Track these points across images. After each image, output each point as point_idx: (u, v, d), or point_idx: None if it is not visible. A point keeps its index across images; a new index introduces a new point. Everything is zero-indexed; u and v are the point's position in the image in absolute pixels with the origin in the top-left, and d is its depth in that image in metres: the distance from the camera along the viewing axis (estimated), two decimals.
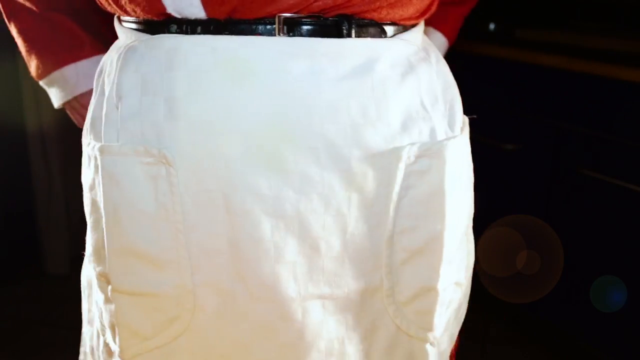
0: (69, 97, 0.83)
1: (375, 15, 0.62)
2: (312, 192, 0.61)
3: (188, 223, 0.62)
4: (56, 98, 0.85)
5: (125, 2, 0.62)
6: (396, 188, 0.63)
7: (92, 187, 0.67)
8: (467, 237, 0.74)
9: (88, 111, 0.68)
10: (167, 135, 0.60)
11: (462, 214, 0.70)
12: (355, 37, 0.62)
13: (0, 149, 1.91)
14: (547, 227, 1.52)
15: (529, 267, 1.57)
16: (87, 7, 0.77)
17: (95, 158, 0.64)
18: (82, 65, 0.81)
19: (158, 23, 0.62)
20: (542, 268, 1.55)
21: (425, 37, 0.72)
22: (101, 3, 0.66)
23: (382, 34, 0.64)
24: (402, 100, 0.63)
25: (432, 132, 0.65)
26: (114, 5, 0.64)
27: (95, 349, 0.75)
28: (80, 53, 0.81)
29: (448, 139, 0.65)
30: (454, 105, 0.69)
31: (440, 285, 0.67)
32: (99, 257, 0.67)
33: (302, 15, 0.60)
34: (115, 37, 0.70)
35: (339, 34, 0.61)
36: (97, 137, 0.65)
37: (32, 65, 0.83)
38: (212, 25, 0.60)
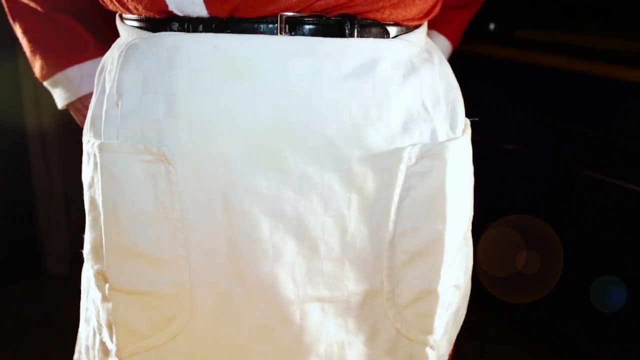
0: (73, 99, 0.83)
1: (378, 16, 0.62)
2: (312, 192, 0.61)
3: (187, 222, 0.61)
4: (60, 99, 0.85)
5: (127, 0, 0.62)
6: (397, 189, 0.63)
7: (90, 185, 0.67)
8: (466, 240, 0.74)
9: (89, 109, 0.68)
10: (167, 134, 0.60)
11: (462, 216, 0.70)
12: (358, 37, 0.62)
13: (0, 149, 1.91)
14: (547, 227, 1.52)
15: (529, 267, 1.57)
16: (91, 7, 0.77)
17: (95, 155, 0.63)
18: (86, 66, 0.81)
19: (160, 21, 0.62)
20: (542, 268, 1.55)
21: (429, 39, 0.72)
22: (104, 1, 0.66)
23: (385, 34, 0.64)
24: (404, 101, 0.62)
25: (434, 133, 0.64)
26: (116, 3, 0.64)
27: (90, 348, 0.75)
28: (84, 54, 0.81)
29: (449, 140, 0.65)
30: (456, 106, 0.69)
31: (440, 288, 0.67)
32: (97, 256, 0.67)
33: (305, 14, 0.60)
34: (118, 37, 0.70)
35: (341, 34, 0.61)
36: (96, 135, 0.65)
37: (37, 65, 0.83)
38: (214, 24, 0.60)
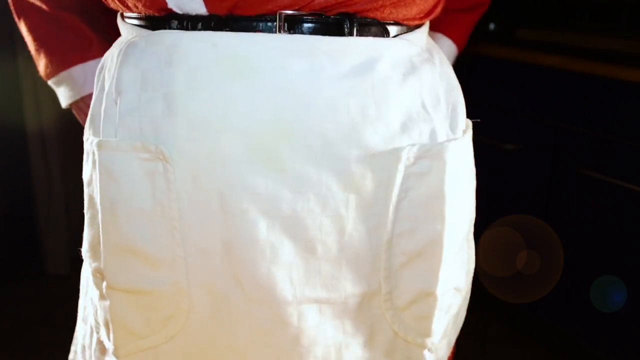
0: (76, 98, 0.83)
1: (378, 15, 0.62)
2: (309, 192, 0.60)
3: (184, 221, 0.61)
4: (64, 98, 0.85)
5: None
6: (395, 190, 0.62)
7: (89, 183, 0.67)
8: (468, 242, 0.73)
9: (90, 107, 0.68)
10: (165, 132, 0.60)
11: (462, 217, 0.69)
12: (357, 36, 0.61)
13: (0, 149, 1.91)
14: (547, 227, 1.52)
15: (529, 267, 1.57)
16: (96, 6, 0.77)
17: (93, 153, 0.63)
18: (90, 65, 0.81)
19: (159, 19, 0.62)
20: (542, 268, 1.55)
21: (430, 39, 0.72)
22: (106, 0, 0.66)
23: (385, 33, 0.64)
24: (403, 101, 0.62)
25: (433, 133, 0.64)
26: (117, 2, 0.64)
27: (87, 348, 0.75)
28: (88, 53, 0.81)
29: (449, 141, 0.65)
30: (457, 107, 0.68)
31: (439, 290, 0.66)
32: (95, 253, 0.67)
33: (304, 13, 0.60)
34: (120, 36, 0.70)
35: (340, 33, 0.61)
36: (95, 133, 0.65)
37: (41, 64, 0.82)
38: (213, 22, 0.60)
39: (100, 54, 0.80)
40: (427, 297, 0.66)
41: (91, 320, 0.72)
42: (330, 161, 0.60)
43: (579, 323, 1.51)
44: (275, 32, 0.60)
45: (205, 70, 0.59)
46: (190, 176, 0.60)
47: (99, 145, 0.62)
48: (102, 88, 0.65)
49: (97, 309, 0.69)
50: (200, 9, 0.59)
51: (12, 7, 0.81)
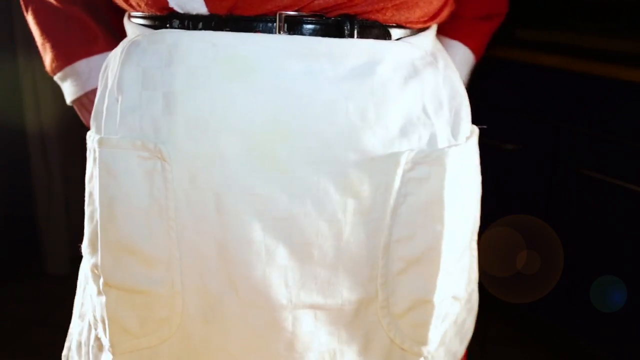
0: (80, 93, 0.82)
1: (379, 17, 0.61)
2: (306, 194, 0.60)
3: (180, 220, 0.61)
4: (68, 93, 0.84)
5: None
6: (393, 194, 0.62)
7: (90, 179, 0.67)
8: (471, 251, 0.73)
9: (94, 104, 0.68)
10: (164, 130, 0.60)
11: (464, 225, 0.68)
12: (358, 37, 0.61)
13: (0, 149, 1.91)
14: (547, 227, 1.52)
15: (529, 267, 1.57)
16: (104, 3, 0.77)
17: (94, 150, 0.64)
18: (95, 60, 0.80)
19: (161, 18, 0.63)
20: (542, 268, 1.55)
21: (438, 44, 0.71)
22: None
23: (387, 36, 0.63)
24: (403, 105, 0.62)
25: (433, 138, 0.63)
26: (121, 0, 0.64)
27: (83, 344, 0.75)
28: (93, 48, 0.80)
29: (450, 146, 0.64)
30: (460, 112, 0.67)
31: (436, 298, 0.65)
32: (94, 249, 0.67)
33: (304, 14, 0.60)
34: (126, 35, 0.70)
35: (340, 34, 0.61)
36: (98, 130, 0.65)
37: (47, 59, 0.82)
38: (213, 21, 0.60)
39: (106, 48, 0.80)
40: (424, 304, 0.65)
41: (89, 317, 0.72)
42: (328, 164, 0.60)
43: (579, 323, 1.51)
44: (275, 33, 0.60)
45: (205, 70, 0.59)
46: (187, 175, 0.60)
47: (100, 143, 0.62)
48: (106, 86, 0.66)
49: (95, 306, 0.69)
50: (201, 8, 0.60)
51: (21, 1, 0.81)
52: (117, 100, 0.62)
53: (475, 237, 0.74)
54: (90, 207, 0.67)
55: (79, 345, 0.76)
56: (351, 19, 0.61)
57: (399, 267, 0.64)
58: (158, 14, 0.63)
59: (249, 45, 0.59)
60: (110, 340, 0.66)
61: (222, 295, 0.63)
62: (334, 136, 0.59)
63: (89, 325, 0.73)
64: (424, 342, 0.67)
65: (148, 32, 0.63)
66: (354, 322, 0.65)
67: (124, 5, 0.65)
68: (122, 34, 0.71)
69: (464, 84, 0.87)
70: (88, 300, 0.73)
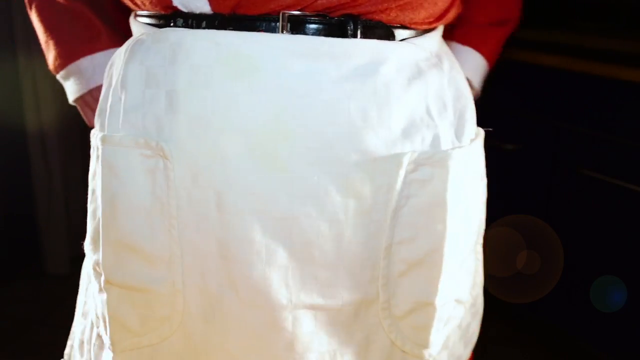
0: (84, 91, 0.81)
1: (383, 17, 0.61)
2: (307, 195, 0.60)
3: (181, 219, 0.61)
4: (71, 91, 0.83)
5: None
6: (395, 196, 0.61)
7: (93, 177, 0.68)
8: (476, 254, 0.72)
9: (99, 102, 0.68)
10: (167, 129, 0.60)
11: (468, 228, 0.68)
12: (361, 38, 0.61)
13: (0, 149, 1.91)
14: (547, 227, 1.52)
15: (529, 267, 1.57)
16: (109, 1, 0.78)
17: (97, 148, 0.64)
18: (98, 57, 0.80)
19: (166, 17, 0.63)
20: (542, 268, 1.55)
21: (444, 46, 0.70)
22: None
23: (391, 37, 0.63)
24: (407, 106, 0.61)
25: (436, 140, 0.63)
26: None
27: (85, 342, 0.75)
28: (97, 45, 0.80)
29: (454, 148, 0.63)
30: (465, 114, 0.67)
31: (438, 301, 0.65)
32: (95, 246, 0.67)
33: (307, 13, 0.59)
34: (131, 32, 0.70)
35: (343, 34, 0.60)
36: (101, 128, 0.66)
37: (50, 56, 0.81)
38: (216, 20, 0.60)
39: (109, 45, 0.80)
40: (425, 307, 0.65)
41: (92, 315, 0.72)
42: (330, 164, 0.59)
43: (579, 323, 1.51)
44: (278, 32, 0.60)
45: (208, 69, 0.59)
46: (189, 174, 0.60)
47: (103, 140, 0.62)
48: (110, 84, 0.66)
49: (96, 303, 0.69)
50: (204, 7, 0.60)
51: None
52: (121, 99, 0.63)
53: (481, 241, 0.73)
54: (93, 205, 0.68)
55: (81, 343, 0.76)
56: (354, 19, 0.60)
57: (401, 269, 0.64)
58: (162, 12, 0.63)
59: (252, 44, 0.59)
60: (111, 338, 0.66)
61: (222, 294, 0.62)
62: (336, 136, 0.59)
63: (92, 323, 0.73)
64: (425, 345, 0.66)
65: (152, 30, 0.64)
66: (355, 323, 0.65)
67: (130, 5, 0.66)
68: (128, 34, 0.71)
69: (478, 91, 0.87)
70: (91, 299, 0.73)
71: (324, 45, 0.59)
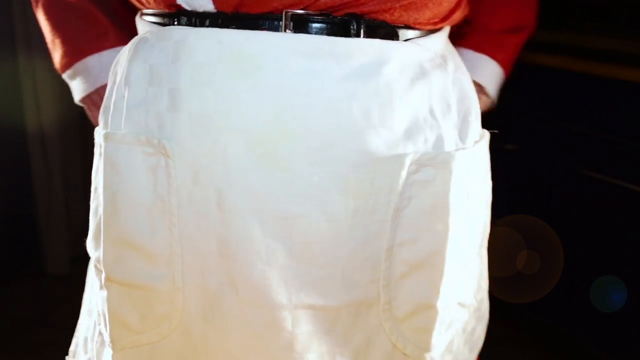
0: (91, 89, 0.80)
1: (387, 17, 0.61)
2: (307, 194, 0.59)
3: (182, 217, 0.61)
4: (78, 90, 0.81)
5: None
6: (397, 197, 0.61)
7: (96, 174, 0.68)
8: (481, 258, 0.72)
9: (103, 100, 0.68)
10: (169, 127, 0.60)
11: (471, 230, 0.67)
12: (364, 37, 0.60)
13: (0, 149, 1.91)
14: (547, 227, 1.52)
15: (529, 267, 1.57)
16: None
17: (100, 145, 0.65)
18: (105, 55, 0.79)
19: (170, 15, 0.63)
20: (542, 268, 1.55)
21: (450, 47, 0.70)
22: None
23: (395, 36, 0.62)
24: (409, 106, 0.61)
25: (439, 141, 0.62)
26: None
27: (89, 340, 0.75)
28: (104, 43, 0.79)
29: (457, 150, 0.63)
30: (469, 116, 0.66)
31: (440, 304, 0.64)
32: (97, 243, 0.67)
33: (310, 12, 0.59)
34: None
35: (346, 34, 0.60)
36: (105, 125, 0.66)
37: (56, 55, 0.80)
38: (220, 19, 0.60)
39: (116, 43, 0.79)
40: (427, 309, 0.64)
41: (95, 313, 0.72)
42: (331, 164, 0.59)
43: (579, 323, 1.51)
44: (281, 31, 0.59)
45: (210, 67, 0.59)
46: (190, 172, 0.60)
47: (105, 137, 0.63)
48: (114, 81, 0.66)
49: (98, 301, 0.69)
50: (207, 5, 0.60)
51: None
52: (124, 96, 0.63)
53: (485, 244, 0.72)
54: (95, 202, 0.68)
55: (86, 340, 0.76)
56: (358, 18, 0.60)
57: (402, 271, 0.63)
58: (167, 11, 0.63)
59: (254, 43, 0.59)
60: (111, 336, 0.66)
61: (222, 293, 0.62)
62: (337, 136, 0.59)
63: (95, 321, 0.73)
64: (427, 348, 0.66)
65: (157, 29, 0.64)
66: (355, 324, 0.64)
67: (135, 3, 0.66)
68: (134, 33, 0.71)
69: (494, 100, 0.86)
70: (94, 297, 0.73)
71: (327, 44, 0.59)
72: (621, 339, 1.41)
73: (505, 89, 1.67)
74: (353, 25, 0.60)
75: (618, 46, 1.48)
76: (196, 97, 0.59)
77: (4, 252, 1.97)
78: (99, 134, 0.66)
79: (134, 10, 0.71)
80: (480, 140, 0.68)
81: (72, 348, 0.80)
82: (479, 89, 0.82)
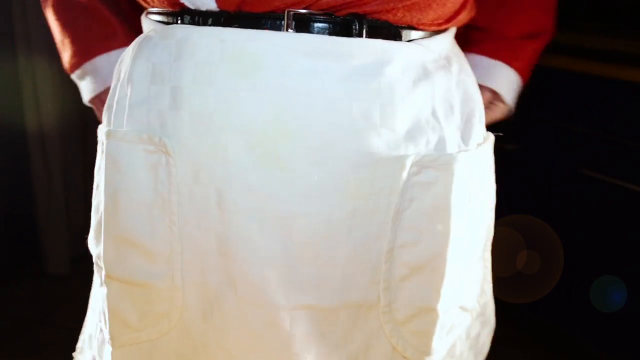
0: (101, 89, 0.80)
1: (390, 17, 0.60)
2: (307, 194, 0.59)
3: (182, 215, 0.61)
4: (87, 91, 0.81)
5: None
6: (398, 198, 0.60)
7: (98, 171, 0.68)
8: (484, 261, 0.71)
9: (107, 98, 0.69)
10: (170, 125, 0.60)
11: (474, 233, 0.67)
12: (366, 37, 0.60)
13: (0, 148, 1.91)
14: (547, 227, 1.52)
15: (529, 267, 1.57)
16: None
17: (103, 142, 0.65)
18: (114, 55, 0.78)
19: (174, 14, 0.63)
20: (542, 268, 1.55)
21: (456, 48, 0.69)
22: None
23: (398, 37, 0.62)
24: (411, 107, 0.60)
25: (441, 143, 0.62)
26: None
27: (93, 336, 0.75)
28: (112, 43, 0.79)
29: (459, 152, 0.63)
30: (472, 118, 0.66)
31: (440, 307, 0.64)
32: (98, 241, 0.67)
33: (313, 12, 0.59)
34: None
35: (349, 34, 0.60)
36: (108, 123, 0.66)
37: (65, 55, 0.80)
38: (222, 17, 0.60)
39: (125, 43, 0.79)
40: (427, 312, 0.64)
41: (98, 309, 0.73)
42: (331, 164, 0.59)
43: (579, 323, 1.51)
44: (283, 31, 0.59)
45: (212, 66, 0.59)
46: (191, 171, 0.60)
47: (107, 135, 0.63)
48: (118, 80, 0.66)
49: (98, 298, 0.69)
50: (210, 4, 0.60)
51: None
52: (127, 94, 0.63)
53: (489, 247, 0.72)
54: (97, 199, 0.68)
55: (91, 337, 0.76)
56: (360, 18, 0.60)
57: (403, 273, 0.63)
58: (171, 10, 0.63)
59: (256, 42, 0.59)
60: (110, 333, 0.66)
61: (221, 291, 0.62)
62: (337, 136, 0.58)
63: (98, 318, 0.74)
64: (427, 351, 0.65)
65: (160, 27, 0.64)
66: (355, 326, 0.64)
67: (141, 2, 0.66)
68: (142, 33, 0.71)
69: (511, 108, 0.85)
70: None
71: (329, 44, 0.59)
72: (621, 339, 1.41)
73: None
74: (355, 25, 0.60)
75: (618, 46, 1.48)
76: (198, 95, 0.59)
77: (4, 252, 1.97)
78: (101, 131, 0.66)
79: (140, 10, 0.71)
80: (483, 143, 0.68)
81: (79, 344, 0.80)
82: (496, 96, 0.81)
